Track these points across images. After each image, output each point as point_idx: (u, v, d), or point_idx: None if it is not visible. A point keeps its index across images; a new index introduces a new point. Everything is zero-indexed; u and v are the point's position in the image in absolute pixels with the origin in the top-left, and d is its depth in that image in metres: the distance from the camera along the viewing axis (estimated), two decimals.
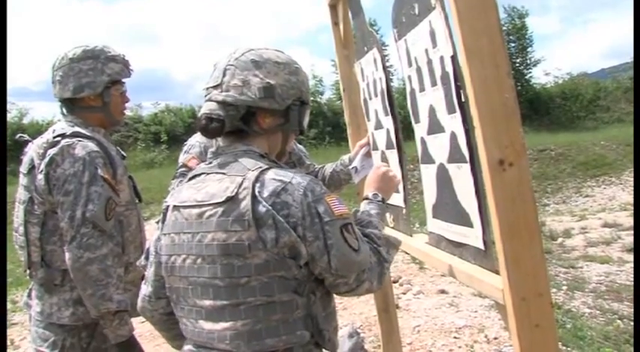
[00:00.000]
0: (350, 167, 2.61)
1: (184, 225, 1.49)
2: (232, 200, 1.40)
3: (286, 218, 1.38)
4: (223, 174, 1.48)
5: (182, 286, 1.50)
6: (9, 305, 6.16)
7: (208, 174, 1.53)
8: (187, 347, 1.55)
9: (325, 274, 1.45)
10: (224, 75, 1.54)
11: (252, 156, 1.52)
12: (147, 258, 1.67)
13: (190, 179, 1.58)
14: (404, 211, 2.23)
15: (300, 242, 1.39)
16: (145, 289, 1.66)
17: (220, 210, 1.41)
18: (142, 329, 4.24)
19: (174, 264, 1.51)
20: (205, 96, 1.58)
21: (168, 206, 1.58)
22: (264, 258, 1.37)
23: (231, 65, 1.55)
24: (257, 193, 1.38)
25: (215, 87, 1.55)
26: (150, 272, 1.64)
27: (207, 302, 1.44)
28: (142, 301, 1.67)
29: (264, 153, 1.57)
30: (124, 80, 2.38)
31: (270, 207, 1.37)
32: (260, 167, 1.44)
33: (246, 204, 1.38)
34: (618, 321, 5.36)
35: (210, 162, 1.58)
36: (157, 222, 1.67)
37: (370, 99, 2.48)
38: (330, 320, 1.55)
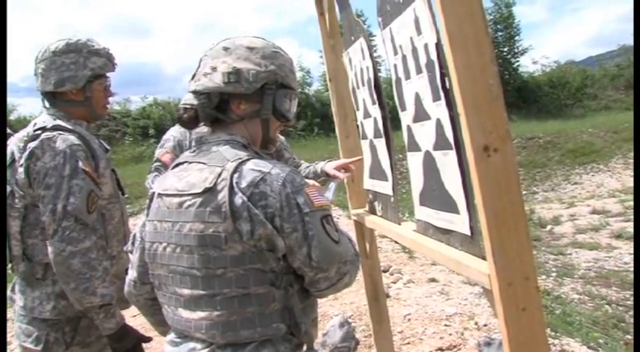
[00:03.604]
0: (326, 195, 2.61)
1: (166, 213, 1.49)
2: (210, 191, 1.39)
3: (264, 209, 1.37)
4: (204, 164, 1.48)
5: (163, 273, 1.51)
6: None
7: (191, 163, 1.53)
8: (170, 337, 1.57)
9: (305, 268, 1.44)
10: (199, 66, 1.57)
11: (234, 146, 1.51)
12: (133, 243, 1.68)
13: (175, 167, 1.59)
14: (392, 200, 2.23)
15: (277, 234, 1.39)
16: (131, 274, 1.67)
17: (199, 200, 1.41)
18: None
19: (156, 251, 1.52)
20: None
21: (153, 193, 1.59)
22: (240, 250, 1.37)
23: (206, 55, 1.57)
24: (234, 184, 1.38)
25: (192, 78, 1.58)
26: (135, 258, 1.65)
27: (186, 291, 1.45)
28: (128, 285, 1.69)
29: (247, 143, 1.57)
30: (107, 74, 2.36)
31: (246, 199, 1.36)
32: (240, 158, 1.44)
33: (223, 195, 1.37)
34: (606, 307, 5.42)
35: (194, 151, 1.58)
36: (144, 209, 1.68)
37: (358, 88, 2.48)
38: (309, 312, 1.55)
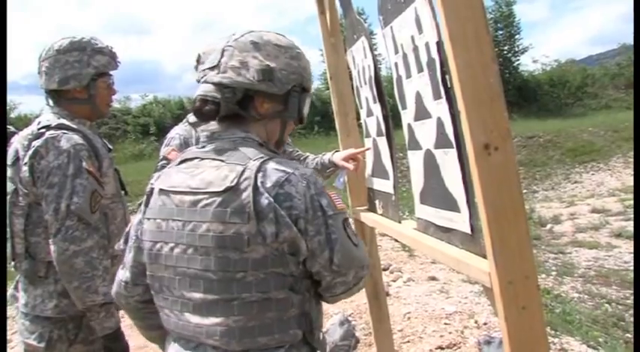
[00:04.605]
0: (334, 184, 2.61)
1: (174, 211, 1.41)
2: (232, 190, 1.32)
3: (288, 210, 1.32)
4: (221, 161, 1.40)
5: (167, 275, 1.43)
6: None
7: (203, 159, 1.45)
8: (174, 347, 1.47)
9: (324, 272, 1.39)
10: (222, 56, 1.47)
11: (251, 145, 1.45)
12: (126, 242, 1.59)
13: (181, 162, 1.51)
14: (393, 198, 2.23)
15: (301, 237, 1.33)
16: (122, 274, 1.58)
17: (218, 199, 1.33)
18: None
19: (159, 251, 1.44)
20: (201, 78, 1.50)
21: (152, 188, 1.52)
22: (262, 253, 1.31)
23: (230, 46, 1.47)
24: (259, 184, 1.32)
25: (212, 68, 1.47)
26: (129, 258, 1.56)
27: (197, 295, 1.37)
28: (118, 286, 1.60)
29: (262, 142, 1.50)
30: (111, 72, 2.37)
31: (272, 200, 1.30)
32: (262, 156, 1.38)
33: (247, 195, 1.31)
34: (606, 305, 5.43)
35: (204, 147, 1.50)
36: (139, 205, 1.58)
37: (361, 86, 2.48)
38: (321, 318, 1.51)
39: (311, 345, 1.44)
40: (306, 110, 1.60)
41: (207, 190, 1.36)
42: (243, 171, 1.34)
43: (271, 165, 1.36)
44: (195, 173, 1.42)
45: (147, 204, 1.52)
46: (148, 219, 1.49)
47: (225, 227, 1.32)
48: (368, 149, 2.56)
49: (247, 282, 1.32)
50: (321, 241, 1.35)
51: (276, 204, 1.30)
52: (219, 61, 1.46)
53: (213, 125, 1.56)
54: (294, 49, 1.55)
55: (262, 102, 1.49)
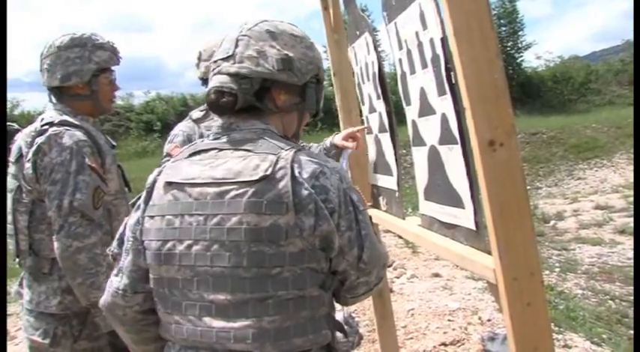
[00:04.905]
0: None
1: (193, 205, 1.30)
2: (267, 179, 1.24)
3: (325, 203, 1.25)
4: (247, 151, 1.32)
5: (182, 277, 1.31)
6: None
7: (222, 150, 1.36)
8: None
9: (351, 271, 1.34)
10: (236, 45, 1.40)
11: (274, 136, 1.38)
12: (120, 245, 1.46)
13: (192, 155, 1.41)
14: (397, 194, 2.23)
15: (335, 232, 1.27)
16: (119, 282, 1.43)
17: (251, 190, 1.24)
18: None
19: (171, 250, 1.31)
20: (213, 70, 1.43)
21: (154, 184, 1.42)
22: (299, 247, 1.24)
23: (245, 35, 1.41)
24: (297, 174, 1.25)
25: (226, 59, 1.40)
26: (126, 262, 1.42)
27: (222, 296, 1.26)
28: (114, 296, 1.43)
29: (281, 134, 1.44)
30: (112, 68, 2.37)
31: (312, 190, 1.24)
32: (292, 147, 1.32)
33: (284, 184, 1.23)
34: (610, 302, 5.41)
35: (218, 138, 1.41)
36: (133, 205, 1.47)
37: (364, 83, 2.48)
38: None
39: (332, 346, 1.38)
40: (321, 103, 1.55)
41: (237, 180, 1.27)
42: (277, 161, 1.27)
43: (304, 157, 1.30)
44: (216, 164, 1.33)
45: (147, 201, 1.41)
46: (152, 216, 1.37)
47: (261, 218, 1.23)
48: (366, 127, 2.55)
49: (283, 278, 1.24)
50: (352, 237, 1.31)
51: (315, 195, 1.24)
52: (234, 51, 1.39)
53: (217, 121, 1.48)
54: (308, 39, 1.50)
55: (279, 94, 1.43)
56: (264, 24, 1.44)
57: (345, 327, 1.57)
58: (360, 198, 1.35)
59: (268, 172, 1.25)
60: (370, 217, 1.39)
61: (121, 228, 1.50)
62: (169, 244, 1.32)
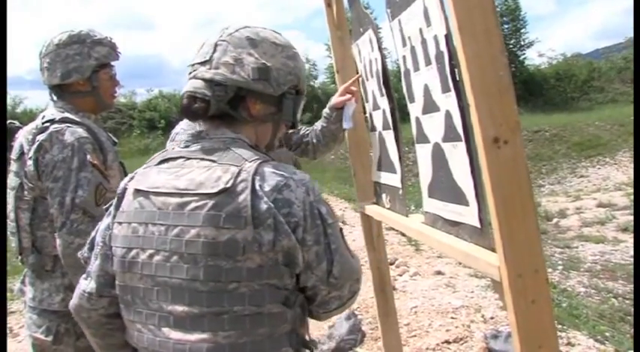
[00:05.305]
0: (344, 127, 2.57)
1: (156, 214, 1.28)
2: (227, 192, 1.21)
3: (287, 217, 1.22)
4: (212, 161, 1.29)
5: (143, 286, 1.29)
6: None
7: (189, 159, 1.34)
8: None
9: (321, 286, 1.30)
10: (214, 50, 1.38)
11: (243, 146, 1.35)
12: (91, 249, 1.46)
13: (162, 162, 1.39)
14: (400, 192, 2.23)
15: (299, 248, 1.24)
16: (86, 285, 1.42)
17: (210, 202, 1.22)
18: None
19: (134, 259, 1.30)
20: (190, 73, 1.41)
21: (125, 189, 1.40)
22: (257, 262, 1.21)
23: (224, 41, 1.38)
24: (258, 187, 1.22)
25: (203, 63, 1.38)
26: (94, 266, 1.42)
27: (180, 308, 1.24)
28: (80, 298, 1.43)
29: (253, 144, 1.41)
30: (112, 63, 2.37)
31: (271, 205, 1.21)
32: (257, 158, 1.28)
33: (244, 198, 1.20)
34: (613, 300, 5.42)
35: (188, 146, 1.39)
36: (107, 209, 1.46)
37: (367, 80, 2.47)
38: (308, 331, 1.43)
39: None
40: (299, 114, 1.51)
41: (198, 192, 1.24)
42: (239, 173, 1.24)
43: (268, 169, 1.27)
44: (181, 173, 1.30)
45: (117, 207, 1.39)
46: (120, 223, 1.36)
47: (219, 232, 1.20)
48: (359, 76, 2.54)
49: (240, 294, 1.21)
50: (320, 252, 1.27)
51: (275, 210, 1.21)
52: (212, 56, 1.37)
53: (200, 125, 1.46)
54: (291, 48, 1.47)
55: (254, 103, 1.40)
56: (246, 30, 1.41)
57: (347, 322, 1.53)
58: (329, 210, 1.31)
59: (228, 185, 1.22)
60: (341, 230, 1.36)
61: (93, 233, 1.50)
62: (133, 252, 1.31)
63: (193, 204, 1.24)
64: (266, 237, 1.20)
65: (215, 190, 1.22)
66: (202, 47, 1.42)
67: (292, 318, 1.29)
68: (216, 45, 1.38)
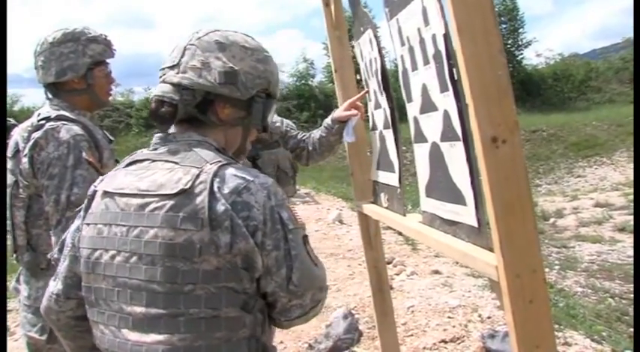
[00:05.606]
0: (345, 140, 2.59)
1: (119, 215, 1.29)
2: (185, 193, 1.21)
3: (245, 221, 1.21)
4: (175, 163, 1.29)
5: (105, 287, 1.29)
6: None
7: (155, 161, 1.34)
8: None
9: (280, 293, 1.28)
10: (183, 55, 1.38)
11: (208, 148, 1.35)
12: (61, 251, 1.46)
13: (130, 164, 1.39)
14: (398, 191, 2.23)
15: (257, 251, 1.23)
16: (54, 286, 1.43)
17: (169, 203, 1.22)
18: None
19: (98, 259, 1.31)
20: (160, 77, 1.41)
21: (95, 191, 1.39)
22: (214, 265, 1.20)
23: (192, 45, 1.39)
24: (216, 189, 1.22)
25: (171, 67, 1.38)
26: (62, 268, 1.42)
27: (138, 309, 1.24)
28: (48, 300, 1.43)
29: (220, 148, 1.40)
30: (107, 61, 2.36)
31: (229, 207, 1.20)
32: (219, 161, 1.28)
33: (202, 200, 1.20)
34: (610, 300, 5.43)
35: (156, 149, 1.39)
36: (79, 210, 1.46)
37: (369, 79, 2.47)
38: (271, 338, 1.43)
39: None
40: (270, 117, 1.50)
41: (158, 193, 1.24)
42: (198, 175, 1.24)
43: (230, 171, 1.26)
44: (145, 175, 1.31)
45: (87, 209, 1.39)
46: (88, 224, 1.36)
47: (176, 233, 1.20)
48: (367, 91, 2.54)
49: (196, 296, 1.21)
50: (279, 257, 1.26)
51: (233, 212, 1.20)
52: (180, 60, 1.38)
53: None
54: (262, 51, 1.46)
55: (223, 107, 1.40)
56: (215, 34, 1.41)
57: (344, 322, 1.51)
58: (291, 216, 1.30)
59: (187, 186, 1.22)
60: (305, 236, 1.34)
61: (63, 235, 1.49)
62: (97, 253, 1.31)
63: (153, 205, 1.24)
64: (223, 240, 1.20)
65: (174, 191, 1.22)
66: (173, 51, 1.42)
67: (251, 323, 1.28)
68: (185, 49, 1.39)
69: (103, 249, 1.30)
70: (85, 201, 1.41)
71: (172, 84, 1.36)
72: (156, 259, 1.22)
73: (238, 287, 1.23)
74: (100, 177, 1.44)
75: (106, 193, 1.35)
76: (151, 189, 1.26)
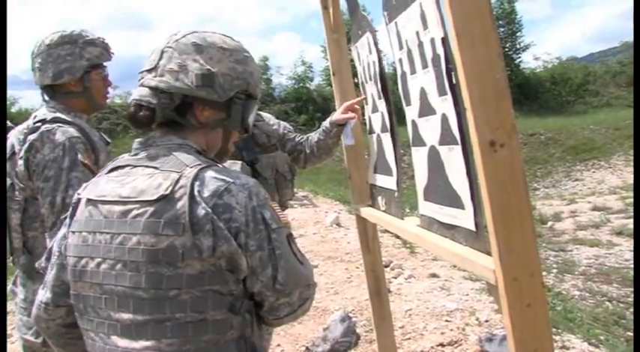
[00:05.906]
0: (344, 144, 2.60)
1: (102, 223, 1.28)
2: (166, 199, 1.21)
3: (227, 223, 1.21)
4: (155, 168, 1.29)
5: (93, 294, 1.29)
6: None
7: (135, 166, 1.33)
8: None
9: (267, 292, 1.28)
10: (160, 57, 1.37)
11: (188, 151, 1.34)
12: (48, 259, 1.47)
13: (112, 170, 1.38)
14: (396, 194, 2.23)
15: (241, 253, 1.22)
16: (43, 295, 1.43)
17: (150, 209, 1.22)
18: None
19: (84, 267, 1.30)
20: (139, 80, 1.40)
21: (80, 199, 1.39)
22: (198, 269, 1.20)
23: (170, 47, 1.37)
24: (196, 193, 1.21)
25: (149, 70, 1.37)
26: (50, 276, 1.42)
27: (125, 316, 1.24)
28: (38, 308, 1.44)
29: (201, 150, 1.39)
30: (104, 64, 2.35)
31: (209, 210, 1.20)
32: (199, 164, 1.27)
33: (182, 204, 1.20)
34: (607, 303, 5.43)
35: (137, 154, 1.38)
36: (64, 218, 1.46)
37: (367, 82, 2.47)
38: (263, 339, 1.41)
39: None
40: (251, 119, 1.48)
41: (139, 199, 1.24)
42: (178, 179, 1.23)
43: (210, 174, 1.26)
44: (126, 181, 1.30)
45: (72, 217, 1.39)
46: (73, 232, 1.36)
47: (158, 239, 1.20)
48: (364, 98, 2.55)
49: (181, 301, 1.21)
50: (263, 257, 1.25)
51: (213, 215, 1.20)
52: (157, 63, 1.36)
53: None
54: (241, 52, 1.44)
55: (202, 110, 1.39)
56: (193, 36, 1.40)
57: (342, 325, 1.51)
58: (274, 215, 1.29)
59: (167, 192, 1.21)
60: (290, 234, 1.34)
61: (51, 243, 1.50)
62: (83, 261, 1.31)
63: (135, 212, 1.24)
64: (205, 243, 1.19)
65: (155, 197, 1.22)
66: (151, 54, 1.41)
67: (239, 325, 1.28)
68: (162, 52, 1.38)
69: (88, 257, 1.30)
70: (70, 209, 1.41)
71: (150, 87, 1.35)
72: (140, 265, 1.22)
73: (224, 290, 1.23)
74: (84, 185, 1.44)
75: (89, 201, 1.34)
76: (132, 195, 1.26)
